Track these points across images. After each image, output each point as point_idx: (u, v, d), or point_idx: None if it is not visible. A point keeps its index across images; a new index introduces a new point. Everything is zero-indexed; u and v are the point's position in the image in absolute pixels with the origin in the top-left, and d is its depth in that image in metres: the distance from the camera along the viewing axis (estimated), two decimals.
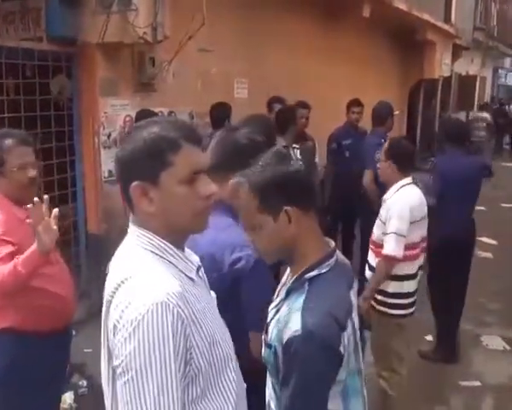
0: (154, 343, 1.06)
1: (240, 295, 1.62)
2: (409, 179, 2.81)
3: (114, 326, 1.11)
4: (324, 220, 4.79)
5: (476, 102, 16.44)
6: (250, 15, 5.75)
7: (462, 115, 14.81)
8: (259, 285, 1.60)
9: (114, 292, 1.14)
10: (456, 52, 13.14)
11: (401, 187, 2.79)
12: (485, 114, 13.43)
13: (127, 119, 4.47)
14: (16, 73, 4.01)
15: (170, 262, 1.19)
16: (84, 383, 3.49)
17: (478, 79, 17.14)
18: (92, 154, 4.37)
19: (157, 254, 1.18)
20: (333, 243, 1.43)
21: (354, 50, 8.35)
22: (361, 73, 8.65)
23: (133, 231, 1.22)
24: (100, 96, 4.28)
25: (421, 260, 2.88)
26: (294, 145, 4.04)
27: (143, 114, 3.65)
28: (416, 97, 12.46)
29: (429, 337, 4.17)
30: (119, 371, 1.09)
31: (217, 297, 1.37)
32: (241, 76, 5.90)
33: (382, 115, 4.28)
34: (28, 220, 1.99)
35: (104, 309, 1.19)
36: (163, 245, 1.19)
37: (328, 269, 1.33)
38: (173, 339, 1.08)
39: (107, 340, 1.17)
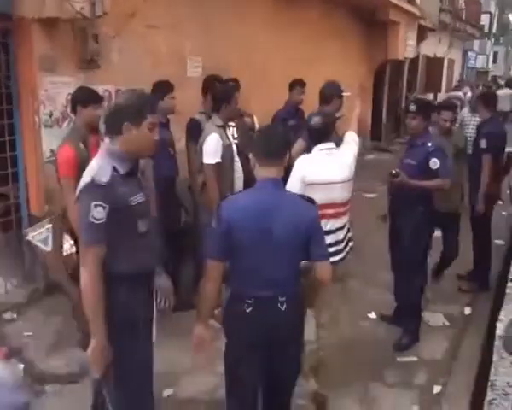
0: None
1: None
2: (318, 147, 3.11)
3: None
4: None
5: (444, 85, 16.60)
6: None
7: (429, 97, 15.00)
8: None
9: None
10: (422, 34, 13.19)
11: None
12: (460, 93, 13.66)
13: (69, 97, 4.33)
14: None
15: None
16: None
17: (446, 61, 17.29)
18: (33, 133, 4.25)
19: None
20: None
21: (313, 25, 8.26)
22: (320, 48, 8.56)
23: None
24: (39, 73, 4.14)
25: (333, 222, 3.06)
26: (230, 123, 4.00)
27: (81, 92, 3.55)
28: (381, 78, 12.50)
29: (372, 315, 4.24)
30: None
31: None
32: (194, 54, 5.79)
33: (327, 95, 4.25)
34: None
35: None
36: None
37: None
38: None
39: None
